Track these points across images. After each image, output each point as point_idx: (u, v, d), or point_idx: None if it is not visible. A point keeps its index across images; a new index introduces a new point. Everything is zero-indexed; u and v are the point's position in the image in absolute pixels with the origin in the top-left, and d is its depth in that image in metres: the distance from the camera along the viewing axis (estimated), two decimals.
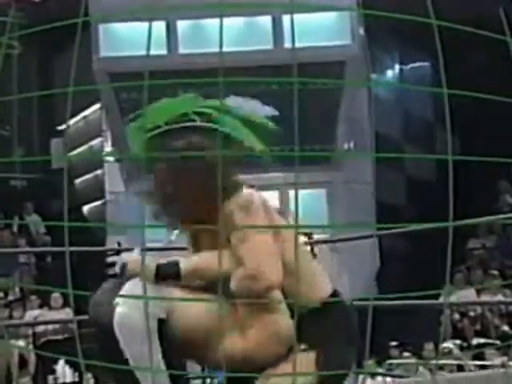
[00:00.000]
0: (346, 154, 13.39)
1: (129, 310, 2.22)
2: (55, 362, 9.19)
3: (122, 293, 2.25)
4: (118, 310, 2.24)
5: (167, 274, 2.31)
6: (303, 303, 2.36)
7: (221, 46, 1.30)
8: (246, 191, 2.39)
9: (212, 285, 2.30)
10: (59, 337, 9.52)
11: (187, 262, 2.34)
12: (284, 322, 2.30)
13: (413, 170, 13.81)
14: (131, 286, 2.26)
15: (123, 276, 2.32)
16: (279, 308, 2.31)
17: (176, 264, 2.31)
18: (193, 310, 2.28)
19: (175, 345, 2.26)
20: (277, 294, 2.33)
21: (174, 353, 2.28)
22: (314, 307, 2.38)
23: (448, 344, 8.79)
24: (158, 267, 2.31)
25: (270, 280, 2.24)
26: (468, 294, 9.77)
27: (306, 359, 2.29)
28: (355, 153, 12.23)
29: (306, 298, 2.36)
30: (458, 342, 9.17)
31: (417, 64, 14.41)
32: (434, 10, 1.11)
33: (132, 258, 2.38)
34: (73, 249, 3.58)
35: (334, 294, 2.46)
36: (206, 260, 2.33)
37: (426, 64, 14.35)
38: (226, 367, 2.20)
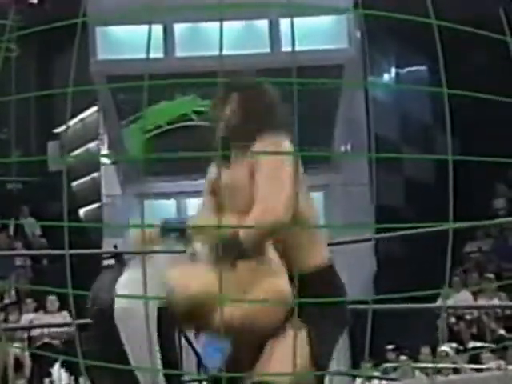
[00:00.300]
0: (347, 155, 13.39)
1: (128, 301, 2.25)
2: (51, 365, 9.16)
3: (120, 282, 2.28)
4: (118, 301, 2.26)
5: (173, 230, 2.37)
6: (302, 266, 2.37)
7: (221, 49, 1.29)
8: (278, 137, 2.40)
9: (213, 253, 2.32)
10: (55, 341, 9.51)
11: (195, 220, 2.40)
12: (284, 287, 2.30)
13: (411, 172, 13.79)
14: (131, 275, 2.28)
15: (121, 264, 2.35)
16: (280, 272, 2.32)
17: (184, 222, 2.39)
18: (194, 283, 2.28)
19: (177, 319, 2.28)
20: (277, 260, 2.34)
21: (176, 326, 2.32)
22: (311, 272, 2.39)
23: (445, 347, 8.77)
24: (163, 226, 2.36)
25: (279, 215, 2.24)
26: (464, 298, 9.76)
27: (299, 335, 2.30)
28: (356, 153, 12.22)
29: (305, 260, 2.39)
30: (454, 345, 9.15)
31: (414, 67, 14.42)
32: (434, 10, 1.10)
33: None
34: (73, 252, 3.55)
35: (330, 265, 2.48)
36: (213, 220, 2.40)
37: (423, 67, 14.37)
38: (225, 332, 2.20)
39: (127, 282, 2.29)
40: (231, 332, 2.22)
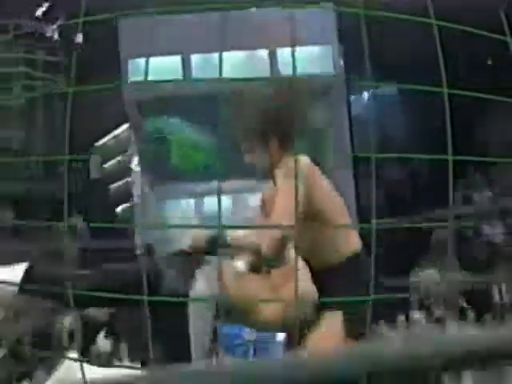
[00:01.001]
0: (346, 156, 13.16)
1: (204, 289, 2.31)
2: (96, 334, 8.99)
3: (202, 275, 2.35)
4: (194, 290, 2.32)
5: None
6: (339, 251, 2.28)
7: (221, 56, 1.13)
8: (295, 158, 2.25)
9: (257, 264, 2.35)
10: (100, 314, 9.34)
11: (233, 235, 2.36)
12: (307, 288, 2.25)
13: (391, 186, 13.52)
14: (209, 271, 2.35)
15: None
16: (303, 275, 2.27)
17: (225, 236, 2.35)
18: (240, 288, 2.33)
19: (230, 315, 2.34)
20: (301, 265, 2.29)
21: (229, 320, 2.43)
22: (345, 259, 2.28)
23: (416, 315, 8.70)
24: (212, 240, 2.35)
25: (274, 234, 2.19)
26: (431, 274, 9.66)
27: (334, 319, 2.24)
28: (355, 154, 12.02)
29: (342, 247, 2.29)
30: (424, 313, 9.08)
31: (390, 90, 14.45)
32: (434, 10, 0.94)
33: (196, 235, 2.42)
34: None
35: (357, 254, 2.34)
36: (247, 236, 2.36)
37: (395, 90, 14.38)
38: (265, 328, 2.41)
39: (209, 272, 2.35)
40: (271, 327, 2.35)
